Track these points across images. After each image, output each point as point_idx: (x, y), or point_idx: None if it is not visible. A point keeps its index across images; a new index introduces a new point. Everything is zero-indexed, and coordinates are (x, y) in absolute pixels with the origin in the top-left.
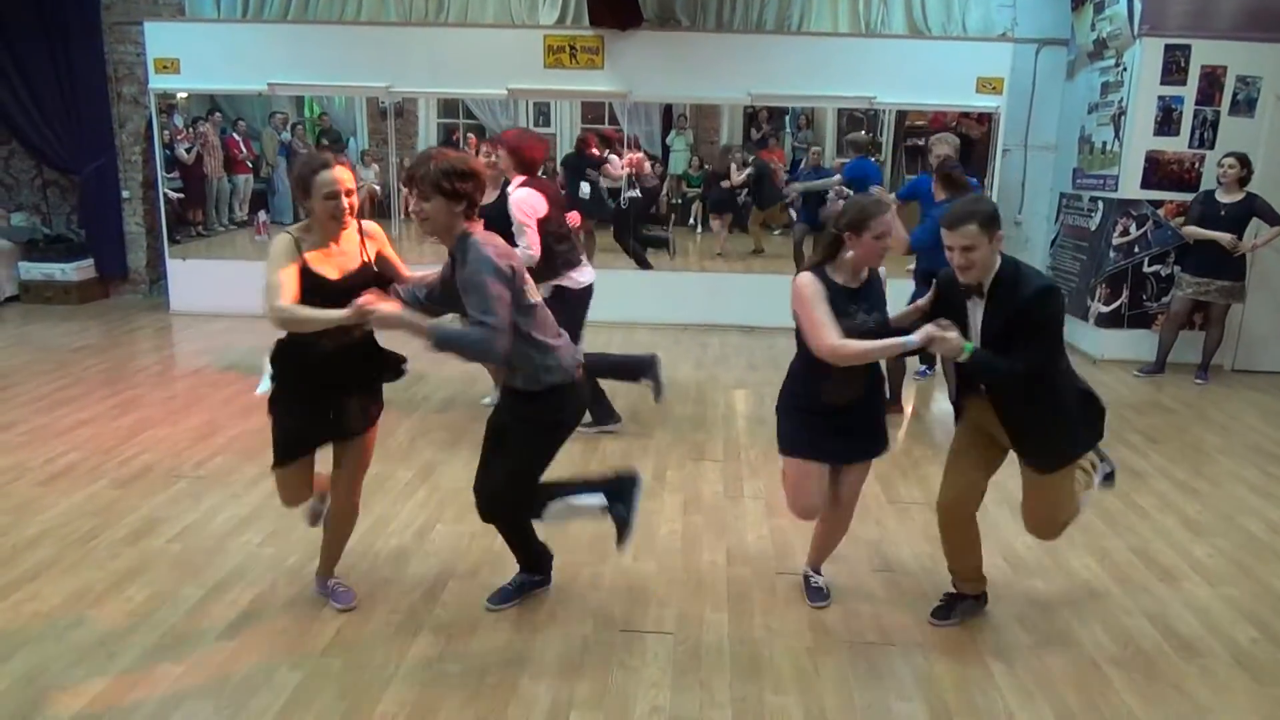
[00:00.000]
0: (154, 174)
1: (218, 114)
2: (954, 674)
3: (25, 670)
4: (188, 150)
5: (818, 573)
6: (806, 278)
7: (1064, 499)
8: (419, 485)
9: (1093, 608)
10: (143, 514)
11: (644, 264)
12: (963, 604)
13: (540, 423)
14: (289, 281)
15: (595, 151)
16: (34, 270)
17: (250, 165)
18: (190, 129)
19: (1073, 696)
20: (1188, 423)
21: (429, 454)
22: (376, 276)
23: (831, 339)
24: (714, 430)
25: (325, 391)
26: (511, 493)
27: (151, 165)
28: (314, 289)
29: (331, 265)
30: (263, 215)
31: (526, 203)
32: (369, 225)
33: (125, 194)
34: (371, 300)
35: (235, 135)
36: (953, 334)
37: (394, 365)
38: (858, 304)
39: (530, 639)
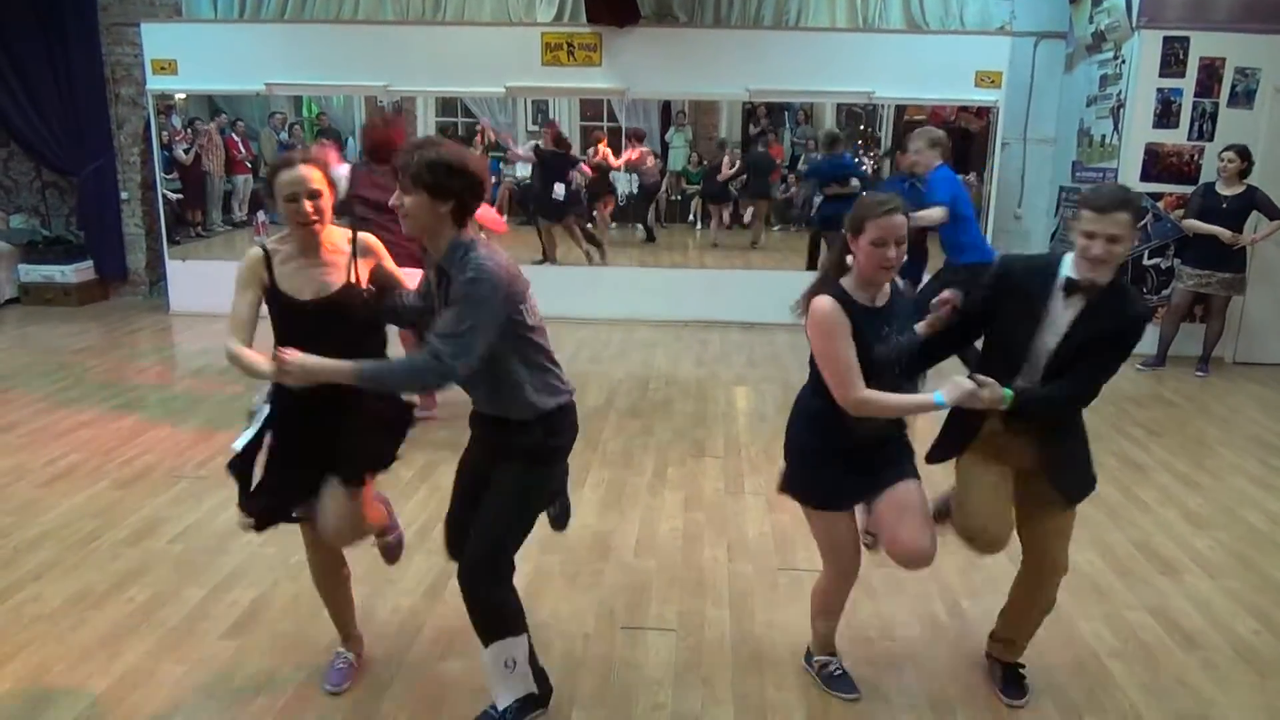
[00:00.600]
0: (152, 175)
1: (222, 115)
2: (956, 668)
3: (28, 671)
4: (186, 151)
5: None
6: (827, 306)
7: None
8: (419, 484)
9: (1094, 601)
10: (144, 515)
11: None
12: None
13: (538, 454)
14: (242, 311)
15: (580, 153)
16: (33, 272)
17: (249, 165)
18: (188, 129)
19: (1075, 689)
20: (1189, 415)
21: (429, 453)
22: (364, 299)
23: (855, 390)
24: (714, 427)
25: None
26: (503, 549)
27: (150, 166)
28: (284, 312)
29: (306, 283)
30: (261, 215)
31: None
32: (364, 239)
33: (124, 195)
34: (288, 354)
35: (234, 135)
36: (986, 390)
37: (392, 426)
38: (888, 324)
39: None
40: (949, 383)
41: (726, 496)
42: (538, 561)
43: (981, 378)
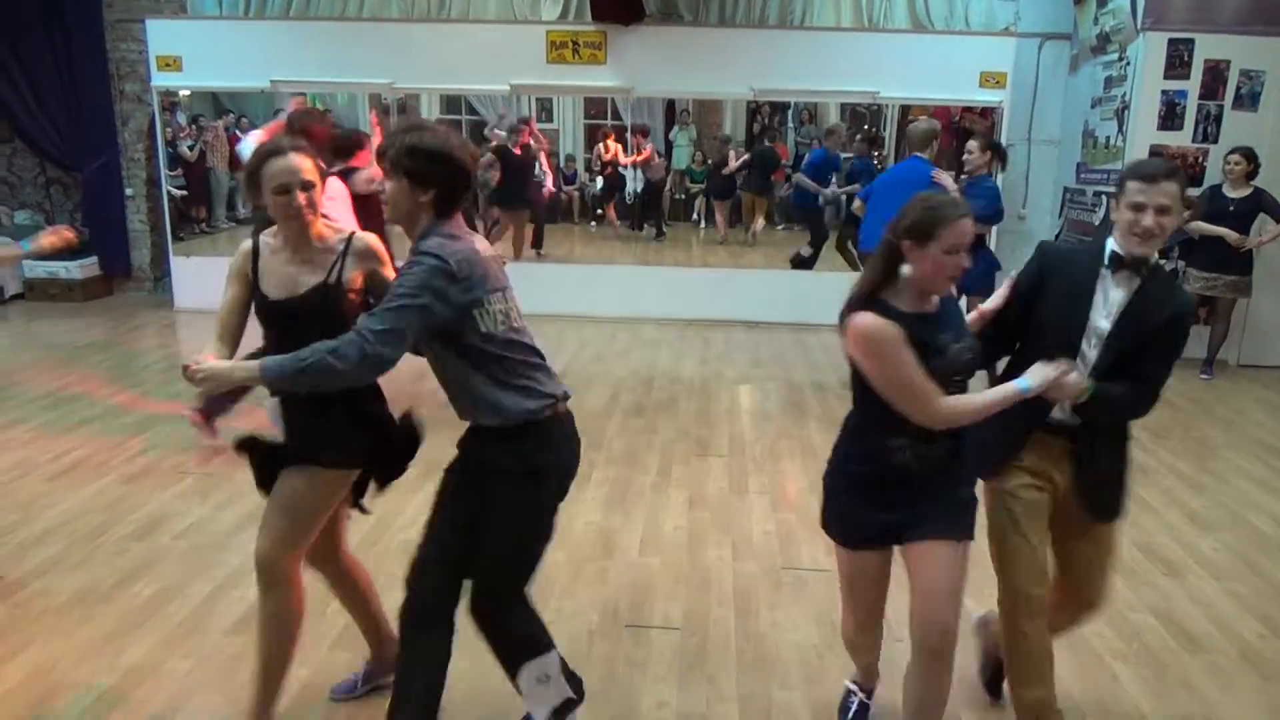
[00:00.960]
0: (157, 172)
1: (229, 114)
2: (961, 669)
3: (35, 666)
4: (190, 148)
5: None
6: (872, 323)
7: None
8: (425, 481)
9: None
10: (150, 510)
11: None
12: None
13: (520, 470)
14: (223, 308)
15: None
16: (38, 268)
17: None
18: (193, 126)
19: (1079, 692)
20: (1193, 418)
21: (432, 449)
22: (345, 302)
23: (934, 404)
24: (718, 426)
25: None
26: (509, 580)
27: (155, 163)
28: (260, 309)
29: (283, 281)
30: None
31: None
32: (361, 242)
33: (129, 191)
34: (196, 361)
35: (238, 133)
36: (1073, 376)
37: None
38: (943, 331)
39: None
40: (1032, 368)
41: (731, 495)
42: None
43: (1064, 362)
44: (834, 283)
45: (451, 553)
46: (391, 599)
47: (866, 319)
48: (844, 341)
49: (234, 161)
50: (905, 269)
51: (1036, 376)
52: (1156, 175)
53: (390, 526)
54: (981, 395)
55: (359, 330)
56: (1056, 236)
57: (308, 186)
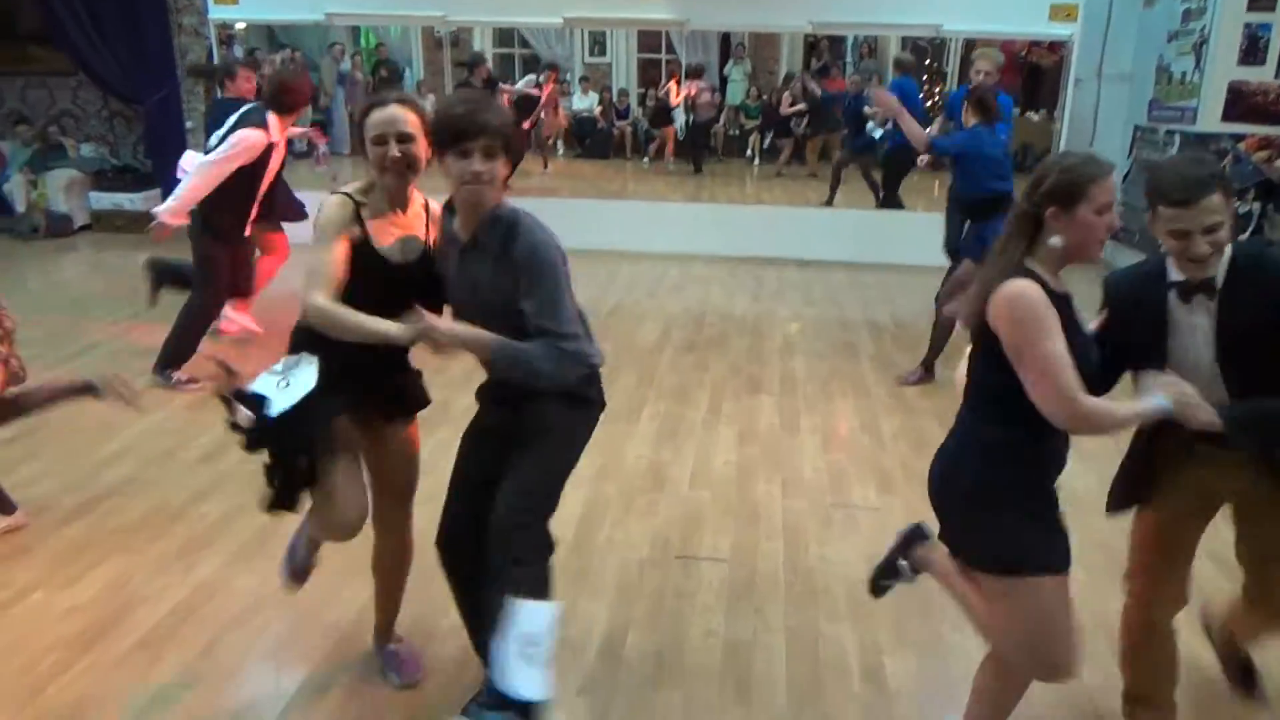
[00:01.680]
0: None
1: (285, 48)
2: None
3: (112, 578)
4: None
5: None
6: (1028, 287)
7: None
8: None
9: None
10: (214, 435)
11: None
12: None
13: (574, 397)
14: (334, 265)
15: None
16: (104, 200)
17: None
18: (250, 57)
19: None
20: None
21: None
22: (433, 264)
23: (1078, 399)
24: (770, 363)
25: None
26: (549, 493)
27: (212, 96)
28: (371, 270)
29: (394, 243)
30: (322, 147)
31: None
32: (434, 208)
33: (189, 124)
34: (428, 317)
35: (293, 67)
36: (1192, 398)
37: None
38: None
39: (588, 561)
40: (1160, 383)
41: (781, 433)
42: (594, 488)
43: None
44: (890, 221)
45: (481, 504)
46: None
47: (1022, 284)
48: (972, 316)
49: None
50: (1054, 240)
51: (1169, 392)
52: (1191, 197)
53: (449, 452)
54: (1124, 405)
55: (565, 344)
56: (1125, 177)
57: (405, 139)
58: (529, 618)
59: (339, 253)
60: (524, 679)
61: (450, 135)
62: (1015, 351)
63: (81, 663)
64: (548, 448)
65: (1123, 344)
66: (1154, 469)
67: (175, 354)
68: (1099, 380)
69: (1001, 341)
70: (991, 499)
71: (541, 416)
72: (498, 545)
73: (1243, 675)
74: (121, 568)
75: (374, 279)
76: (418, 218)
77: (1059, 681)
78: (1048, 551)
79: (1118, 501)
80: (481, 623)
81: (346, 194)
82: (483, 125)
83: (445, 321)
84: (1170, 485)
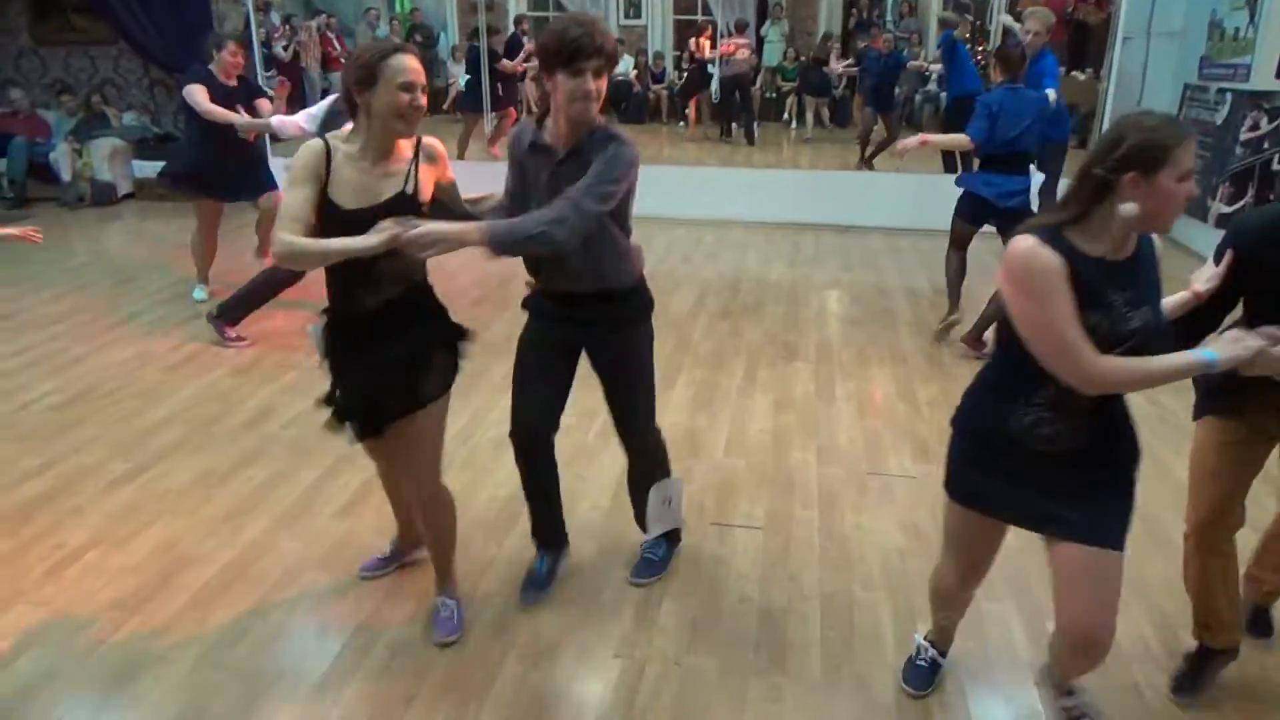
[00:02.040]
0: (252, 72)
1: (321, 14)
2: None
3: (161, 540)
4: (285, 48)
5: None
6: (1030, 249)
7: None
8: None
9: None
10: (259, 401)
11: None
12: (1213, 663)
13: (646, 309)
14: (299, 206)
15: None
16: (146, 168)
17: (344, 61)
18: (286, 26)
19: None
20: None
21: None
22: (413, 210)
23: (1085, 362)
24: (806, 330)
25: (376, 369)
26: (652, 400)
27: (250, 63)
28: (324, 216)
29: (358, 190)
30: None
31: None
32: (429, 144)
33: None
34: (396, 224)
35: (329, 33)
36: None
37: (452, 334)
38: (1120, 289)
39: (624, 528)
40: (1222, 338)
41: (817, 401)
42: None
43: (1271, 329)
44: (928, 185)
45: (557, 396)
46: (488, 483)
47: (1026, 243)
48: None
49: (325, 62)
50: (1127, 208)
51: (1230, 348)
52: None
53: (483, 422)
54: (1152, 360)
55: (577, 201)
56: None
57: (425, 90)
58: (669, 488)
59: (303, 195)
60: (670, 521)
61: (567, 54)
62: (1018, 317)
63: (134, 621)
64: (642, 371)
65: (1250, 290)
66: (1240, 382)
67: (240, 307)
68: (1173, 337)
69: (1006, 301)
70: (959, 422)
71: (626, 340)
72: (638, 449)
73: (1255, 617)
74: (171, 530)
75: (330, 225)
76: (399, 165)
77: (955, 583)
78: (952, 477)
79: (1199, 410)
80: (550, 505)
81: (323, 140)
82: (599, 46)
83: (421, 222)
84: (1253, 403)
